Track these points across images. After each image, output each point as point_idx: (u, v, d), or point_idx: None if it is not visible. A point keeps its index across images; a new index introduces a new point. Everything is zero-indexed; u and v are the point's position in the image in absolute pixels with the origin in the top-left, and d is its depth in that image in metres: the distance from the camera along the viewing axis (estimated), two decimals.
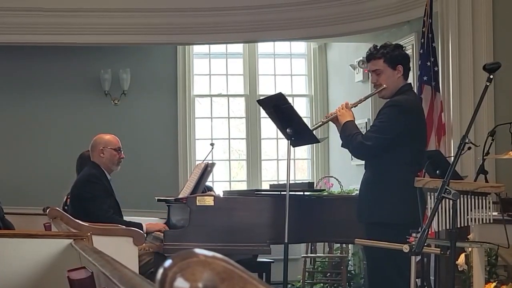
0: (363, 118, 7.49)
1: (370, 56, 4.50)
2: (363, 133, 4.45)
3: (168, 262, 0.94)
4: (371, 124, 4.51)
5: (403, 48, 4.59)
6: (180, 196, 5.60)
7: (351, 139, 4.40)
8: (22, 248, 3.49)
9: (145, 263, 5.30)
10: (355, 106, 4.60)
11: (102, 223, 4.71)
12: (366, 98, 4.71)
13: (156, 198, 6.26)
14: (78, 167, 6.18)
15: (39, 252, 3.47)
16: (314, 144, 8.95)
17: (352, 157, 6.72)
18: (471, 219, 3.99)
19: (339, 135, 4.58)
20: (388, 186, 4.31)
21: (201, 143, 9.55)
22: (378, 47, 4.50)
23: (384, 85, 4.43)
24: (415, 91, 6.84)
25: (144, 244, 4.91)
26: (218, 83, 9.91)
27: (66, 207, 6.09)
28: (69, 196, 6.05)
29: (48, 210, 4.92)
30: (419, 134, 4.44)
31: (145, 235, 5.20)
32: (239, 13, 8.17)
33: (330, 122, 4.69)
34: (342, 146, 4.60)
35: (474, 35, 6.53)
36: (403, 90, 4.44)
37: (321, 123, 4.75)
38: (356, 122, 4.59)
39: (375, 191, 4.35)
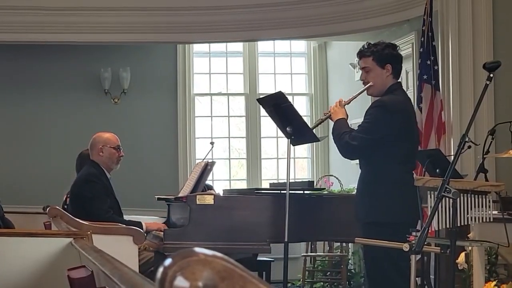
0: (361, 117, 7.46)
1: (361, 54, 4.55)
2: (352, 133, 4.47)
3: (168, 261, 0.94)
4: (358, 124, 4.54)
5: (397, 48, 4.61)
6: (180, 195, 5.59)
7: (339, 137, 4.44)
8: (22, 247, 3.50)
9: (145, 262, 5.30)
10: (348, 103, 4.64)
11: (102, 222, 4.71)
12: (356, 95, 4.71)
13: (156, 196, 6.25)
14: (77, 166, 6.18)
15: (39, 251, 3.47)
16: (314, 143, 8.95)
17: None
18: (471, 218, 3.99)
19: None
20: (381, 185, 4.33)
21: (201, 142, 9.55)
22: (370, 45, 4.53)
23: (371, 83, 4.47)
24: (414, 89, 6.86)
25: (144, 243, 4.90)
26: (218, 81, 9.91)
27: (65, 206, 6.09)
28: (68, 195, 6.05)
29: (48, 209, 4.92)
30: (409, 132, 4.44)
31: (145, 234, 5.20)
32: (239, 11, 8.17)
33: (329, 120, 4.70)
34: None
35: (474, 34, 6.53)
36: (391, 89, 4.47)
37: (320, 121, 4.76)
38: (354, 121, 4.61)
39: (370, 191, 4.37)
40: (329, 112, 4.63)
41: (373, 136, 4.32)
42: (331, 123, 4.70)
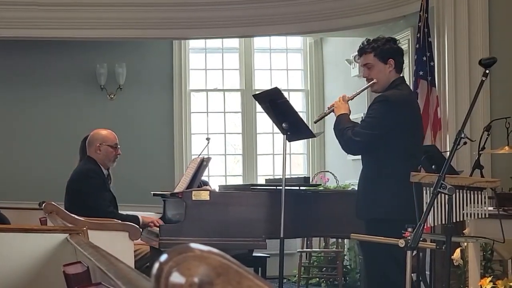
0: (358, 113, 7.49)
1: (362, 51, 4.48)
2: (354, 128, 4.44)
3: (163, 257, 0.94)
4: (361, 120, 4.51)
5: (397, 42, 4.56)
6: (176, 190, 5.59)
7: (342, 133, 4.39)
8: (17, 242, 3.49)
9: (140, 258, 5.30)
10: (351, 99, 4.59)
11: (100, 218, 4.71)
12: (359, 92, 4.67)
13: (152, 192, 6.26)
14: (81, 149, 6.23)
15: (34, 246, 3.46)
16: (310, 139, 8.95)
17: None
18: (467, 214, 3.99)
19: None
20: (385, 181, 4.30)
21: (197, 138, 9.54)
22: (370, 41, 4.49)
23: (375, 80, 4.43)
24: (410, 85, 6.86)
25: (139, 239, 4.90)
26: (214, 77, 9.90)
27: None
28: None
29: (44, 205, 4.91)
30: (412, 127, 4.40)
31: (141, 229, 5.21)
32: (235, 7, 8.16)
33: (329, 116, 4.68)
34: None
35: (470, 30, 6.54)
36: (395, 84, 4.41)
37: (323, 115, 4.73)
38: (352, 117, 4.58)
39: (374, 187, 4.34)
40: (333, 106, 4.58)
41: (377, 131, 4.28)
42: (328, 119, 4.69)
